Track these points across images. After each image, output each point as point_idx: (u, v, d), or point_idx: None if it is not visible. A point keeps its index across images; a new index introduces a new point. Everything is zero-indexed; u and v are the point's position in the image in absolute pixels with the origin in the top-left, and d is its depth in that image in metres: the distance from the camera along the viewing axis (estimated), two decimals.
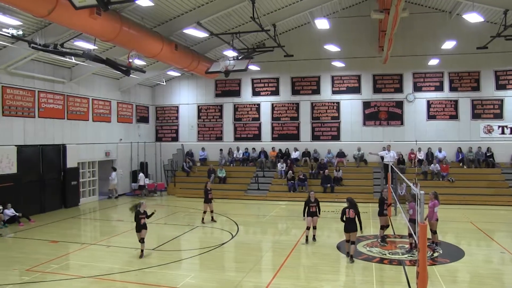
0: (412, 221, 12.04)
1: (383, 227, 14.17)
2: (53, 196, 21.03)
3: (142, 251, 12.75)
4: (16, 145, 19.04)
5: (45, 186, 20.53)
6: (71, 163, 22.01)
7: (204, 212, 18.03)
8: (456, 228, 16.70)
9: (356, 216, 12.34)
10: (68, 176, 21.81)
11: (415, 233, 10.93)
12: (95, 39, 16.81)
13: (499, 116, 25.01)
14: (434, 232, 13.44)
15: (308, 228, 14.30)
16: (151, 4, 15.90)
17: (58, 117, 21.69)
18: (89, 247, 14.14)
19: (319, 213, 14.46)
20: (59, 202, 21.39)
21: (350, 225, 12.30)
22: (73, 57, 19.15)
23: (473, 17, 17.76)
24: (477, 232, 16.02)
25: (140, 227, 12.81)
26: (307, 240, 14.26)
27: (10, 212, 17.54)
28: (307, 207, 14.31)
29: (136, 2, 14.39)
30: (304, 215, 14.41)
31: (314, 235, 14.47)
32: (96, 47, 18.49)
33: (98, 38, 16.25)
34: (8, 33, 15.31)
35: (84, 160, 23.50)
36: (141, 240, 12.75)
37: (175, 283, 10.56)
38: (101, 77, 24.83)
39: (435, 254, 12.78)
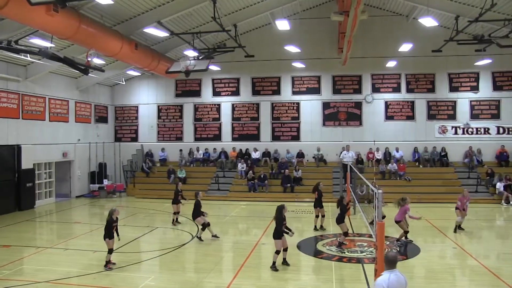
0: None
1: (346, 233, 13.96)
2: (7, 198, 20.35)
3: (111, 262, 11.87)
4: None
5: None
6: (26, 164, 21.34)
7: (174, 213, 17.89)
8: (412, 226, 17.10)
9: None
10: (23, 177, 21.13)
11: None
12: (52, 36, 16.41)
13: (452, 117, 25.96)
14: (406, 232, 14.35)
15: (277, 253, 11.80)
16: (111, 2, 15.64)
17: (13, 117, 20.99)
18: (45, 251, 13.75)
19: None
20: (13, 205, 20.71)
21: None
22: (28, 55, 18.61)
23: (428, 21, 18.28)
24: (432, 229, 16.60)
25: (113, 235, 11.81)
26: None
27: None
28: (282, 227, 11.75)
29: None
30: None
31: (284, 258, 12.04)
32: (53, 45, 18.04)
33: (55, 35, 15.87)
34: None
35: (40, 161, 22.83)
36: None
37: (135, 285, 10.44)
38: (59, 76, 24.19)
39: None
